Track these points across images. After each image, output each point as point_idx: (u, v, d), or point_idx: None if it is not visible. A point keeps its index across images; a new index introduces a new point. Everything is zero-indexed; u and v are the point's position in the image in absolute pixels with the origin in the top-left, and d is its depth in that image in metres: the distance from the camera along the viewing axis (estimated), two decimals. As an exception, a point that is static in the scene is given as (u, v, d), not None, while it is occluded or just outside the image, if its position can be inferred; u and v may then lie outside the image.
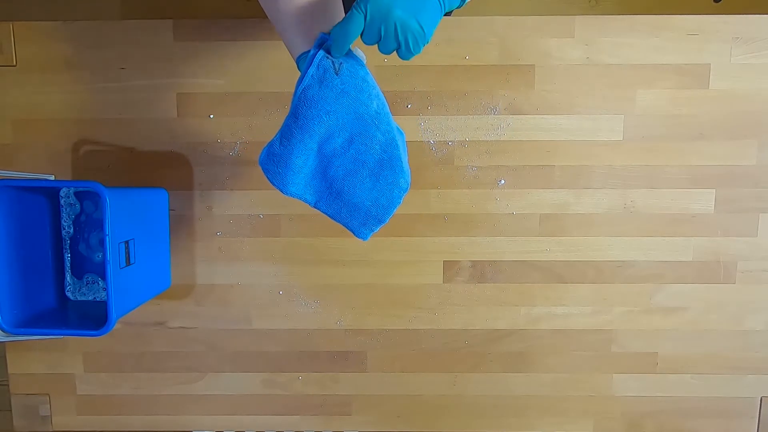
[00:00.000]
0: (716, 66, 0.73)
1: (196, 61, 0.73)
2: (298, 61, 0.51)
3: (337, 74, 0.47)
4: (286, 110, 0.74)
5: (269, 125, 0.74)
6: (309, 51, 0.48)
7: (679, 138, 0.74)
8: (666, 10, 1.24)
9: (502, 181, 0.75)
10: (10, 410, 0.79)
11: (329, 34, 0.47)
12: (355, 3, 0.44)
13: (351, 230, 0.53)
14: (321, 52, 0.47)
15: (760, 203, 0.75)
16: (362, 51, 0.51)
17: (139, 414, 0.80)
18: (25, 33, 0.73)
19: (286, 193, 0.51)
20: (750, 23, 0.72)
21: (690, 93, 0.73)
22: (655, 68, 0.73)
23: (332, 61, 0.47)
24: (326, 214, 0.53)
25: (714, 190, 0.75)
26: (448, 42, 0.72)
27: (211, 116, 0.74)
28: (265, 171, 0.51)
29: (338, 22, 0.45)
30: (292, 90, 0.76)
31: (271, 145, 0.50)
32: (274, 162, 0.50)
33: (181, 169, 0.75)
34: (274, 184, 0.51)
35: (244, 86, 0.73)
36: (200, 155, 0.75)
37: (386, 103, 0.50)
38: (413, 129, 0.74)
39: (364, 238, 0.53)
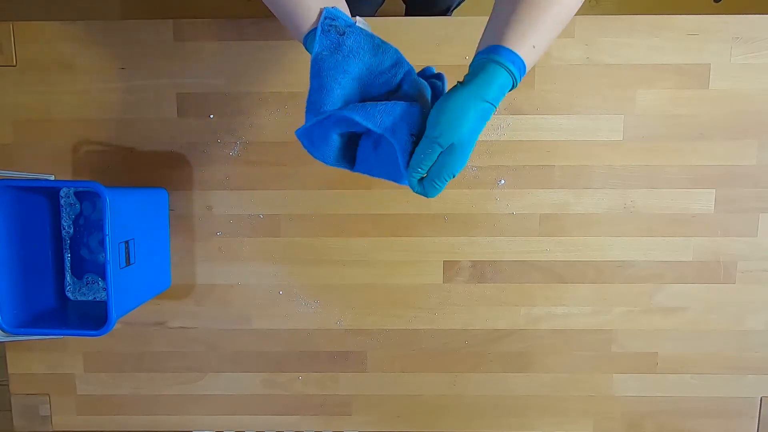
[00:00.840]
0: (716, 66, 0.73)
1: (196, 61, 0.73)
2: (306, 41, 0.50)
3: (342, 35, 0.47)
4: (286, 110, 0.74)
5: (269, 125, 0.74)
6: (316, 29, 0.48)
7: (679, 138, 0.74)
8: (666, 10, 1.24)
9: (502, 181, 0.75)
10: (10, 410, 0.79)
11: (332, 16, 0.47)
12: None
13: (395, 179, 0.51)
14: (324, 22, 0.47)
15: (760, 203, 0.75)
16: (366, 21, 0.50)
17: (139, 414, 0.80)
18: (25, 33, 0.73)
19: (329, 164, 0.51)
20: (750, 23, 0.72)
21: (690, 93, 0.73)
22: (655, 68, 0.73)
23: (336, 27, 0.47)
24: (368, 173, 0.52)
25: (714, 190, 0.75)
26: (448, 42, 0.72)
27: (211, 116, 0.74)
28: (305, 146, 0.51)
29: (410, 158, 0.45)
30: (293, 90, 0.76)
31: (306, 120, 0.50)
32: (310, 136, 0.50)
33: (181, 169, 0.75)
34: (315, 157, 0.51)
35: (244, 86, 0.73)
36: (200, 155, 0.75)
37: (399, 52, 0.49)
38: (413, 129, 0.74)
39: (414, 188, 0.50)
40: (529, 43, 0.44)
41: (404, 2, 1.07)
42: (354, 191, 0.74)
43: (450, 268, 0.76)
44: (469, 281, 0.77)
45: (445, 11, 1.00)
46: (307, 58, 0.50)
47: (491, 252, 0.76)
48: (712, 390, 0.79)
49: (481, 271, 0.76)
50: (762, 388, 0.79)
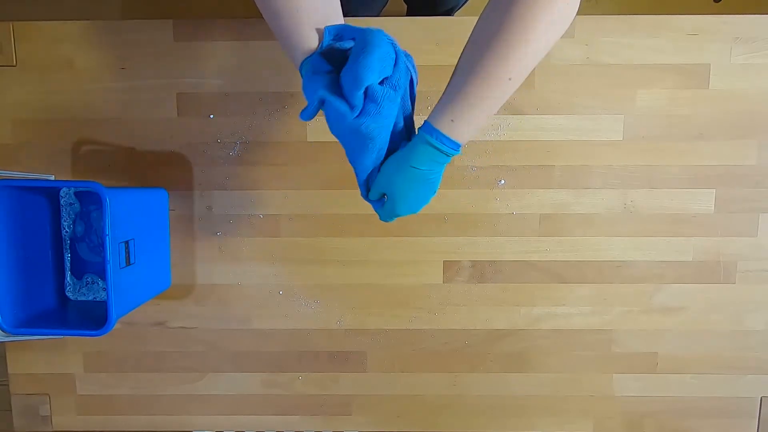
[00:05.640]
0: (716, 66, 0.73)
1: (196, 61, 0.73)
2: (302, 67, 0.49)
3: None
4: (286, 110, 0.74)
5: (269, 125, 0.74)
6: (311, 55, 0.48)
7: (679, 138, 0.74)
8: (666, 10, 1.24)
9: (502, 181, 0.75)
10: (10, 410, 0.79)
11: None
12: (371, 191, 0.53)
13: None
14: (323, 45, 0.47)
15: (760, 203, 0.75)
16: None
17: (139, 414, 0.80)
18: (25, 33, 0.73)
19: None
20: (750, 23, 0.72)
21: (690, 93, 0.73)
22: (655, 68, 0.73)
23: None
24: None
25: (714, 190, 0.75)
26: (449, 42, 0.72)
27: (211, 116, 0.74)
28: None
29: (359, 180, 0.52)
30: (292, 90, 0.76)
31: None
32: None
33: (181, 169, 0.75)
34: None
35: (244, 86, 0.73)
36: (200, 155, 0.75)
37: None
38: (413, 129, 0.74)
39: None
40: (448, 118, 0.49)
41: (406, 3, 1.06)
42: (354, 191, 0.74)
43: (450, 268, 0.76)
44: (469, 281, 0.77)
45: (446, 14, 1.00)
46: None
47: (491, 252, 0.76)
48: (712, 390, 0.79)
49: (481, 271, 0.76)
50: (762, 388, 0.79)
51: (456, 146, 0.50)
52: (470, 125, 0.50)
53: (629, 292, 0.77)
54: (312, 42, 0.48)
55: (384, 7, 0.98)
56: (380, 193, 0.52)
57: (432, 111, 0.50)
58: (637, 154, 0.74)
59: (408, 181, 0.50)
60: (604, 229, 0.75)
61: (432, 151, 0.49)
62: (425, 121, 0.50)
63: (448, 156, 0.50)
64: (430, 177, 0.51)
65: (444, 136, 0.49)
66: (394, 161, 0.50)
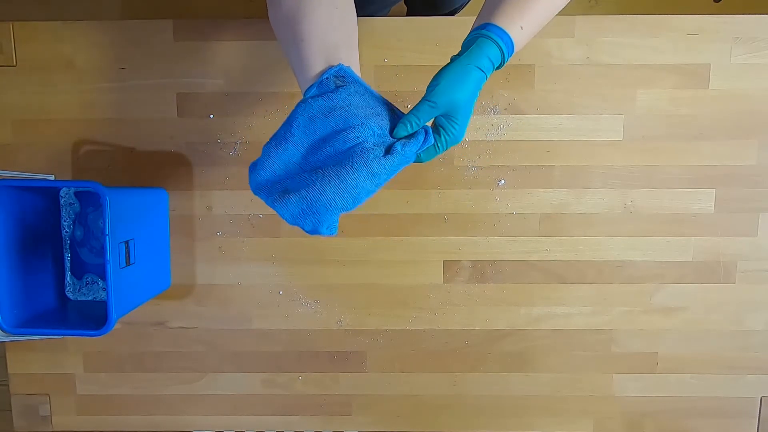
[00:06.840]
0: (716, 66, 0.73)
1: (196, 61, 0.73)
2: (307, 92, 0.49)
3: (335, 89, 0.47)
4: (286, 110, 0.74)
5: (269, 125, 0.74)
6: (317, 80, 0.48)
7: (679, 138, 0.74)
8: (666, 10, 1.24)
9: (502, 181, 0.75)
10: (10, 410, 0.79)
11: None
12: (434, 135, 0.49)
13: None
14: (330, 71, 0.47)
15: (760, 203, 0.75)
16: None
17: (139, 414, 0.80)
18: (25, 33, 0.73)
19: (252, 183, 0.50)
20: (750, 23, 0.72)
21: (690, 93, 0.73)
22: (655, 68, 0.73)
23: (334, 80, 0.47)
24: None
25: (714, 190, 0.75)
26: (449, 41, 0.72)
27: (211, 116, 0.74)
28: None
29: (418, 139, 0.47)
30: (292, 90, 0.76)
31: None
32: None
33: (181, 169, 0.75)
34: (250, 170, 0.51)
35: (244, 86, 0.73)
36: (200, 155, 0.75)
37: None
38: (413, 129, 0.74)
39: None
40: (517, 24, 0.48)
41: (406, 4, 1.06)
42: (354, 191, 0.74)
43: (450, 268, 0.76)
44: (469, 281, 0.77)
45: (447, 15, 1.00)
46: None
47: (491, 252, 0.76)
48: (712, 390, 0.79)
49: (481, 271, 0.76)
50: (762, 388, 0.79)
51: (511, 54, 0.49)
52: (531, 34, 0.49)
53: (629, 292, 0.77)
54: (315, 69, 0.48)
55: (392, 6, 0.97)
56: (435, 115, 0.48)
57: (490, 14, 0.48)
58: (637, 154, 0.74)
59: (473, 87, 0.47)
60: (604, 229, 0.76)
61: (497, 54, 0.47)
62: (489, 24, 0.48)
63: (502, 65, 0.49)
64: (479, 86, 0.48)
65: (511, 41, 0.47)
66: (455, 68, 0.47)
